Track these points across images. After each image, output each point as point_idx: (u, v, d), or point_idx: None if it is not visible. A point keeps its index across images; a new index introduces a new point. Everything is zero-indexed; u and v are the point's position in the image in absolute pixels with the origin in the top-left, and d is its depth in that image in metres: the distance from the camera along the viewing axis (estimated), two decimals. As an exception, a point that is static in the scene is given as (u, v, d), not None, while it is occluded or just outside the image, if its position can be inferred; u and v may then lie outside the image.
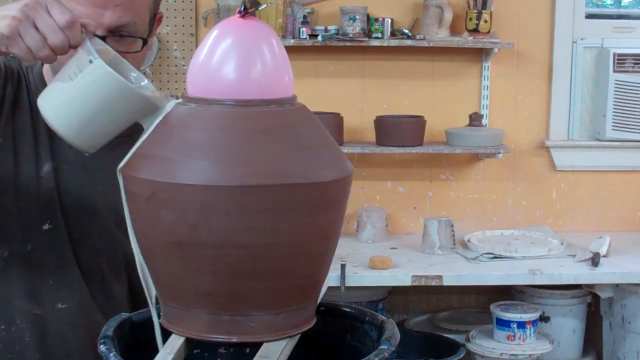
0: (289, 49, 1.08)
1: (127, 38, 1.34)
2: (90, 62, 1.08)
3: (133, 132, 1.49)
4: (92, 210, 1.45)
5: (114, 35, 1.32)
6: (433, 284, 3.03)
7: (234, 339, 1.03)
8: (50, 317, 1.44)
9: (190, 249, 0.98)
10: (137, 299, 1.50)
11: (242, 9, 1.02)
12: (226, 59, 1.01)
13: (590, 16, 3.64)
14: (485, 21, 3.40)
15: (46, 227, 1.42)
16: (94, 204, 1.45)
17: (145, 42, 1.37)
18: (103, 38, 1.27)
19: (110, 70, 1.06)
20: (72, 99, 1.09)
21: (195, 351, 1.12)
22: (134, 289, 1.51)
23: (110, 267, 1.48)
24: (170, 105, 1.05)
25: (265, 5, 1.05)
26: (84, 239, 1.45)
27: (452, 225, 3.28)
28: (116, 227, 1.45)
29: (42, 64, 1.45)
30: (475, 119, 3.47)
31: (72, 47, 1.12)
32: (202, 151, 0.98)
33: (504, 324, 3.16)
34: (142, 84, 1.15)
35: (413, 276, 3.02)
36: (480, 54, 3.56)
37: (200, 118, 1.00)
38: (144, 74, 2.01)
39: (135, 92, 1.07)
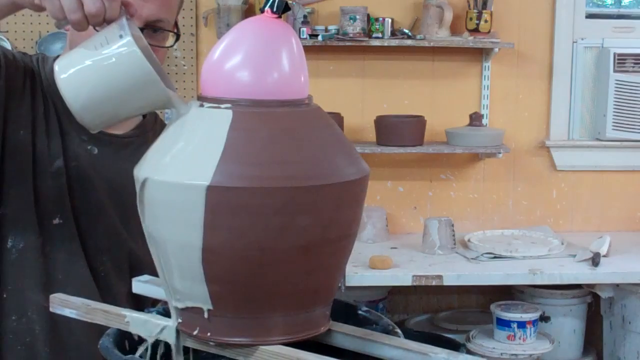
0: (290, 49, 1.07)
1: (160, 33, 1.39)
2: (121, 37, 1.04)
3: (140, 133, 1.52)
4: (99, 208, 1.47)
5: (149, 28, 1.36)
6: (433, 283, 3.03)
7: (311, 334, 1.04)
8: None
9: (318, 248, 0.98)
10: (138, 300, 1.51)
11: (277, 9, 1.00)
12: (240, 58, 0.99)
13: (590, 16, 3.64)
14: (486, 21, 3.41)
15: (56, 221, 1.44)
16: (101, 201, 1.47)
17: (177, 37, 1.42)
18: (140, 30, 1.29)
19: (138, 50, 1.02)
20: (90, 68, 1.04)
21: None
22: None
23: (113, 265, 1.49)
24: (207, 111, 0.99)
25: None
26: (91, 235, 1.47)
27: (453, 225, 3.28)
28: (122, 226, 1.47)
29: (55, 60, 1.47)
30: (475, 119, 3.47)
31: (107, 20, 1.11)
32: (314, 149, 0.98)
33: (504, 323, 3.16)
34: None
35: (413, 276, 3.02)
36: (480, 54, 3.56)
37: (264, 121, 0.98)
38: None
39: (156, 79, 1.02)
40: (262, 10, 1.02)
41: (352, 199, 1.00)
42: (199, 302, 1.00)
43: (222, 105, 0.98)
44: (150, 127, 1.56)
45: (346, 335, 1.08)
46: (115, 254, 1.49)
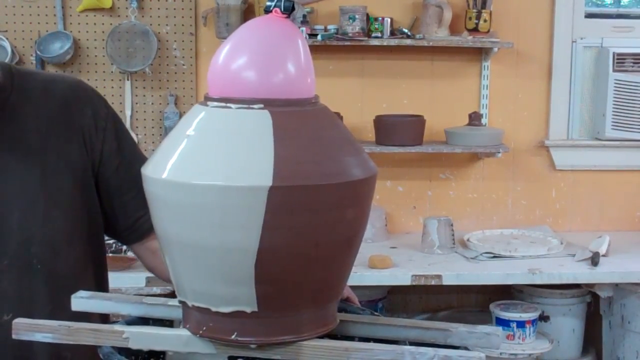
0: (289, 49, 1.07)
1: None
2: None
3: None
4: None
5: None
6: (432, 283, 3.03)
7: (332, 327, 1.06)
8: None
9: (356, 241, 1.04)
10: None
11: (285, 9, 1.01)
12: (254, 58, 0.99)
13: (589, 15, 3.64)
14: (485, 20, 3.41)
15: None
16: None
17: None
18: None
19: None
20: None
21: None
22: None
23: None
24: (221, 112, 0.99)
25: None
26: None
27: (452, 225, 3.28)
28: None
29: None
30: (474, 119, 3.48)
31: None
32: (349, 148, 1.02)
33: (503, 323, 3.16)
34: None
35: (412, 275, 3.03)
36: (479, 54, 3.56)
37: (300, 121, 1.00)
38: (144, 72, 1.93)
39: None
40: (266, 11, 1.01)
41: (371, 193, 1.06)
42: (242, 305, 0.98)
43: (255, 106, 0.97)
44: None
45: (356, 324, 1.10)
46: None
